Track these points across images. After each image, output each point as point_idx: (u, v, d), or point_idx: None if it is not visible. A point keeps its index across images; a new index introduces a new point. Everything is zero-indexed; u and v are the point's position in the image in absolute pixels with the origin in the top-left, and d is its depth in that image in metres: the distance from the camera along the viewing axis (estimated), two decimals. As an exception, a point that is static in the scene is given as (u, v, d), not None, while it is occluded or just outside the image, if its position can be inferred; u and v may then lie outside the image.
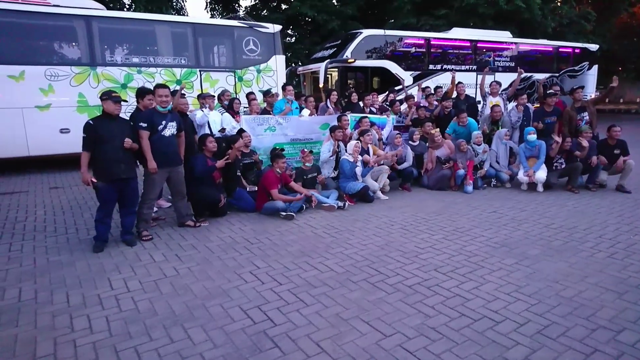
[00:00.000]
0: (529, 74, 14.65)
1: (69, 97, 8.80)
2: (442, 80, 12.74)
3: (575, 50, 16.12)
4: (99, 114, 4.38)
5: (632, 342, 2.65)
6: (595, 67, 16.40)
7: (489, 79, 9.46)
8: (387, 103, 8.85)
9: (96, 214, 4.37)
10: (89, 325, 2.92)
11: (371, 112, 7.99)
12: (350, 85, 9.43)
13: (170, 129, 4.65)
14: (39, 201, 6.47)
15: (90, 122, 4.16)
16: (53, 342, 2.72)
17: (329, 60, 11.93)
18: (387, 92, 10.10)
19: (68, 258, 4.15)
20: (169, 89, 4.75)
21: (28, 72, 8.42)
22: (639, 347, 2.59)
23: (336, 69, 12.34)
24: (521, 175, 6.70)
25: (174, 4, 18.03)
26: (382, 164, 6.57)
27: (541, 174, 6.58)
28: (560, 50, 15.86)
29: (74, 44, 9.13)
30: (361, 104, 8.20)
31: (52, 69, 8.61)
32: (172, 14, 16.44)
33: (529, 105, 7.87)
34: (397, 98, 8.99)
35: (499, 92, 8.07)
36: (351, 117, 7.14)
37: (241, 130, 5.99)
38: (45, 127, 8.61)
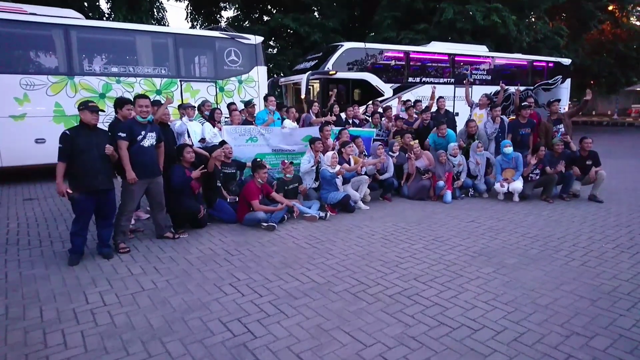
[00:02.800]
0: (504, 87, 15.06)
1: (45, 107, 8.62)
2: (422, 92, 12.99)
3: (549, 64, 16.67)
4: (76, 124, 4.31)
5: (604, 347, 2.73)
6: (568, 81, 16.97)
7: (477, 89, 9.66)
8: (368, 115, 8.96)
9: (72, 226, 4.27)
10: (64, 340, 2.84)
11: (353, 124, 8.10)
12: (334, 98, 9.50)
13: (149, 140, 4.61)
14: (12, 213, 6.28)
15: (67, 132, 4.09)
16: (24, 359, 2.64)
17: (310, 72, 12.03)
18: (366, 105, 10.22)
19: (42, 272, 4.04)
20: (150, 99, 4.72)
21: (2, 81, 8.22)
22: (611, 352, 2.67)
23: (318, 81, 12.45)
24: (498, 186, 6.86)
25: (155, 14, 17.91)
26: (365, 173, 6.64)
27: (518, 184, 6.75)
28: (534, 64, 16.38)
29: (51, 53, 8.98)
30: (343, 115, 8.30)
31: (27, 77, 8.43)
32: (152, 24, 16.34)
33: (504, 117, 8.06)
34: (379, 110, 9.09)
35: (487, 106, 8.14)
36: (333, 130, 7.19)
37: (223, 142, 5.98)
38: (20, 137, 8.40)
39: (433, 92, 9.11)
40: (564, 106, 15.72)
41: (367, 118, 8.68)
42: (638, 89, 36.82)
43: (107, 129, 4.69)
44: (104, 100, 8.93)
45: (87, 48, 9.29)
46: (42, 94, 8.57)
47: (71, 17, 9.17)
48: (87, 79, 8.97)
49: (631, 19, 27.28)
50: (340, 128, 7.34)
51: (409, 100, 9.87)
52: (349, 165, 6.49)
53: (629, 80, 27.74)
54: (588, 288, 3.62)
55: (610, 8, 24.57)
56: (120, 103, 4.91)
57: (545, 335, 2.87)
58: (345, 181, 6.43)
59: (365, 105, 10.45)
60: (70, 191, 4.08)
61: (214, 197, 5.69)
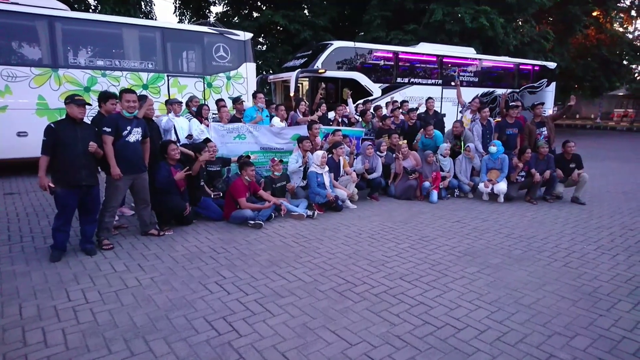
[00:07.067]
0: (491, 89, 15.30)
1: (28, 99, 8.43)
2: (410, 93, 13.06)
3: (535, 68, 16.91)
4: (60, 117, 4.22)
5: (584, 346, 2.78)
6: (553, 84, 17.27)
7: (464, 90, 9.75)
8: (358, 114, 8.96)
9: (54, 222, 4.18)
10: (44, 338, 2.79)
11: (342, 123, 8.09)
12: (321, 96, 9.48)
13: (135, 135, 4.53)
14: (-9, 208, 6.14)
15: (52, 125, 4.01)
16: (2, 357, 2.58)
17: (300, 69, 12.00)
18: (356, 105, 10.22)
19: (23, 268, 3.95)
20: (136, 94, 4.64)
21: (-18, 72, 8.03)
22: (591, 352, 2.73)
23: (307, 79, 12.42)
24: (482, 187, 6.94)
25: (142, 7, 17.65)
26: (353, 171, 6.67)
27: (502, 185, 6.84)
28: (521, 67, 16.60)
29: (34, 44, 8.79)
30: (331, 114, 8.29)
31: (9, 69, 8.24)
32: (140, 17, 16.10)
33: (490, 119, 8.15)
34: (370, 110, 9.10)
35: (476, 110, 8.24)
36: (322, 129, 7.18)
37: (207, 140, 5.89)
38: (1, 130, 8.20)
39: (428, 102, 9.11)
40: (549, 109, 15.98)
41: (357, 118, 8.68)
42: (621, 93, 37.71)
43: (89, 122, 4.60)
44: (88, 94, 8.75)
45: (72, 40, 9.10)
46: (25, 86, 8.38)
47: (56, 8, 8.98)
48: (71, 72, 8.80)
49: (614, 24, 27.84)
50: (333, 128, 7.35)
51: (395, 101, 9.90)
52: (339, 167, 6.53)
53: (612, 85, 28.32)
54: (570, 289, 3.68)
55: (595, 13, 25.03)
56: (104, 97, 4.81)
57: (528, 334, 2.92)
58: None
59: (355, 104, 10.45)
60: (52, 185, 4.00)
61: (198, 195, 5.63)
